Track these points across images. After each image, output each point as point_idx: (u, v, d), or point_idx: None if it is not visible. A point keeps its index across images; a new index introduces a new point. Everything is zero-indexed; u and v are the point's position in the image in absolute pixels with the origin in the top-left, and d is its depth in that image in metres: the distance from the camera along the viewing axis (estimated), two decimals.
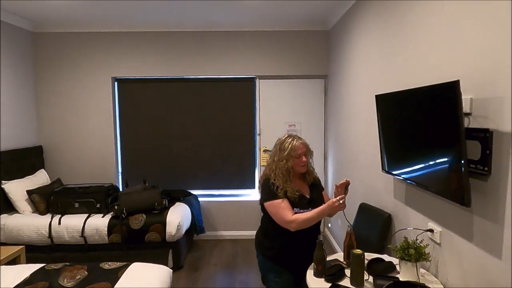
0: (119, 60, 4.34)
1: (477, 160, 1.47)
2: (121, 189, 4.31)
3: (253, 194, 4.58)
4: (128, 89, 4.48)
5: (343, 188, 1.97)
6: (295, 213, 1.94)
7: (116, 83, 4.46)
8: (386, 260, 1.97)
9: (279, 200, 1.94)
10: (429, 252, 1.81)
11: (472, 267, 1.55)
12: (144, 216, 3.55)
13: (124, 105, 4.50)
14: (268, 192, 1.98)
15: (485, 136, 1.42)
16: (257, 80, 4.48)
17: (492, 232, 1.42)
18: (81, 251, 3.52)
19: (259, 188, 2.10)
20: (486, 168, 1.42)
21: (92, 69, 4.34)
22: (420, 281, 1.73)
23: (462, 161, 1.41)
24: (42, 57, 4.31)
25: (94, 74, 4.35)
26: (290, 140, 2.03)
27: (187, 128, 4.53)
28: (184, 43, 4.35)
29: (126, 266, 2.27)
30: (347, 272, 1.85)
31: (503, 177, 1.35)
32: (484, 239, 1.47)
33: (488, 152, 1.41)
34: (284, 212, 1.92)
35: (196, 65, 4.38)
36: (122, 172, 4.59)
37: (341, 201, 1.87)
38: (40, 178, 4.01)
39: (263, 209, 2.06)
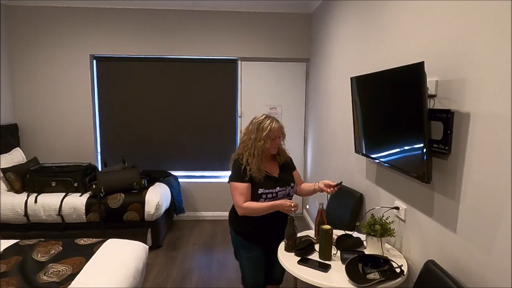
0: (97, 37, 4.23)
1: (439, 140, 1.53)
2: (99, 169, 4.27)
3: None
4: (107, 67, 4.39)
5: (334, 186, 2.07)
6: (260, 193, 2.01)
7: (94, 61, 4.36)
8: (355, 236, 2.06)
9: (240, 184, 2.00)
10: (394, 228, 1.90)
11: (432, 240, 1.64)
12: (123, 195, 3.55)
13: (103, 83, 4.42)
14: (234, 173, 2.04)
15: (447, 117, 1.48)
16: (239, 62, 4.46)
17: (449, 208, 1.50)
18: (58, 230, 3.51)
19: (230, 166, 2.14)
20: (446, 148, 1.49)
21: (70, 46, 4.22)
22: (384, 255, 1.82)
23: (425, 140, 1.47)
24: (16, 32, 4.16)
25: (71, 51, 4.23)
26: (269, 121, 2.04)
27: (168, 108, 4.50)
28: (166, 21, 4.27)
29: (102, 242, 2.29)
30: (317, 247, 1.92)
31: (461, 156, 1.42)
32: (443, 215, 1.55)
33: (449, 132, 1.48)
34: (239, 197, 2.00)
35: (178, 44, 4.31)
36: (101, 152, 4.54)
37: (293, 208, 1.95)
38: (16, 157, 3.93)
39: None
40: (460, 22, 1.43)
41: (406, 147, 1.66)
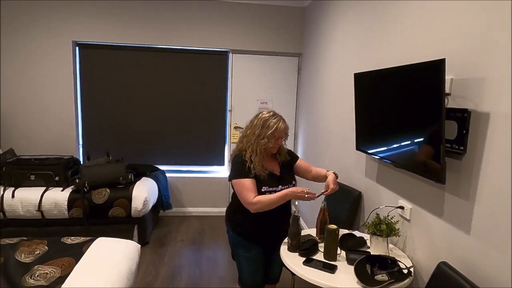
0: (81, 22, 3.99)
1: (453, 139, 1.50)
2: (82, 162, 4.07)
3: (221, 171, 4.52)
4: (91, 55, 4.16)
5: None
6: (263, 192, 1.92)
7: (77, 48, 4.12)
8: (358, 236, 2.02)
9: (246, 180, 1.90)
10: (399, 228, 1.88)
11: (441, 241, 1.62)
12: (108, 190, 3.39)
13: (86, 72, 4.19)
14: (238, 170, 1.93)
15: (462, 116, 1.45)
16: (230, 54, 4.34)
17: (462, 209, 1.48)
18: (37, 226, 3.31)
19: (229, 163, 2.05)
20: (461, 147, 1.46)
21: (50, 31, 3.96)
22: (391, 256, 1.79)
23: (441, 140, 1.44)
24: None
25: (52, 36, 3.97)
26: (275, 120, 1.95)
27: (155, 100, 4.33)
28: (155, 9, 4.08)
29: (91, 241, 2.15)
30: (320, 247, 1.87)
31: (477, 156, 1.40)
32: (454, 215, 1.53)
33: (464, 131, 1.45)
34: (248, 193, 1.88)
35: (167, 34, 4.14)
36: (83, 145, 4.32)
37: (306, 195, 1.87)
38: None
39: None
40: (479, 19, 1.40)
41: (419, 147, 1.62)
